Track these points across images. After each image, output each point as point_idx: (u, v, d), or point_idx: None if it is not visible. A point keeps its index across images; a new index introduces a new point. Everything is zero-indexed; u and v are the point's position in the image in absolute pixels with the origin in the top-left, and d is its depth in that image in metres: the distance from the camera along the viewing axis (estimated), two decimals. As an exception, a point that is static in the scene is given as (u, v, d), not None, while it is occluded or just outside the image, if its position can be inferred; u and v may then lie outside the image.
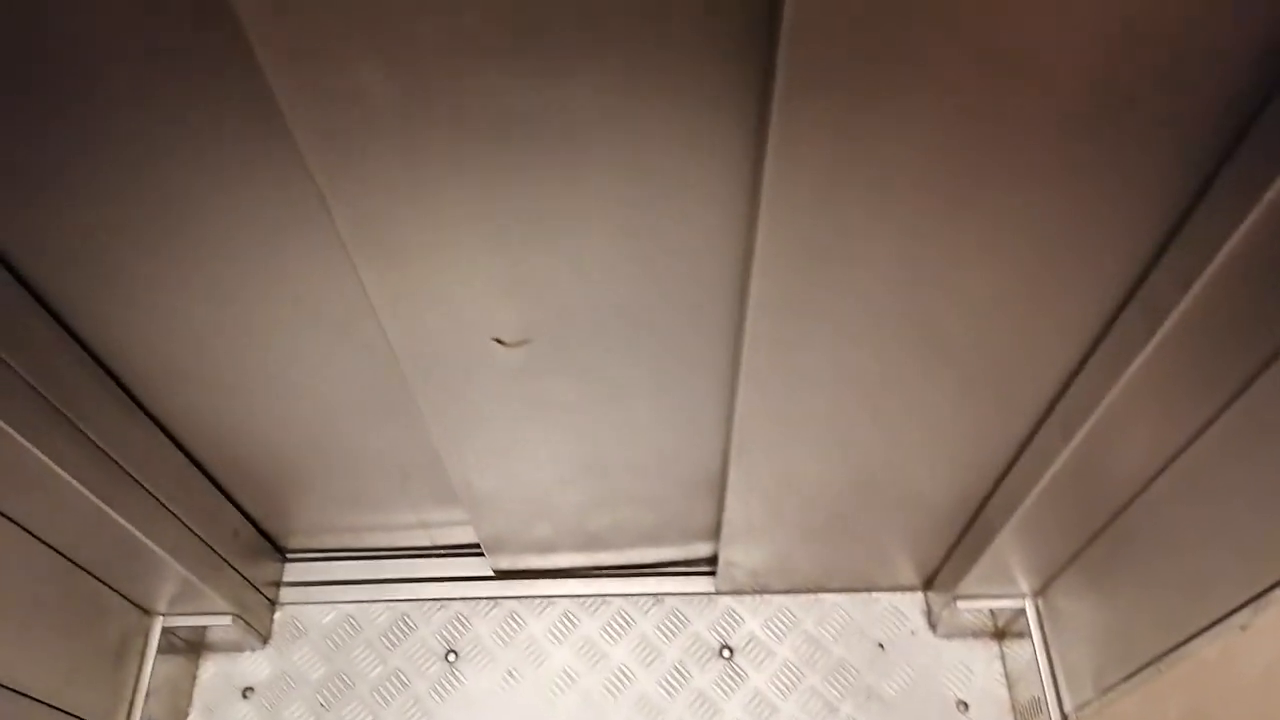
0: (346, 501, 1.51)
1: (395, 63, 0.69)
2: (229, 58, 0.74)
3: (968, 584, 1.39)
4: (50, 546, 1.19)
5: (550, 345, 1.02)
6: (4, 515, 1.10)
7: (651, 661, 1.55)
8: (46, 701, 1.21)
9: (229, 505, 1.46)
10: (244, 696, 1.53)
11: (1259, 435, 0.86)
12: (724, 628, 1.58)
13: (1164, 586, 1.08)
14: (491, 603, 1.61)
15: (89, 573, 1.28)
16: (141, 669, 1.42)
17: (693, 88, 0.73)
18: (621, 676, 1.54)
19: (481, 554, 1.58)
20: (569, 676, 1.54)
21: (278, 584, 1.63)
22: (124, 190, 0.88)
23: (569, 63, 0.70)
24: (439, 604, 1.61)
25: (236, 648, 1.55)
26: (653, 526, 1.49)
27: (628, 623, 1.59)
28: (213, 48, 0.74)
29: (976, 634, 1.54)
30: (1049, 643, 1.40)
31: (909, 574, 1.55)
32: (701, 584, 1.61)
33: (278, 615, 1.60)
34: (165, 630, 1.45)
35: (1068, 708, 1.34)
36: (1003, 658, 1.53)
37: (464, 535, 1.62)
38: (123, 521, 1.15)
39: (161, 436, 1.26)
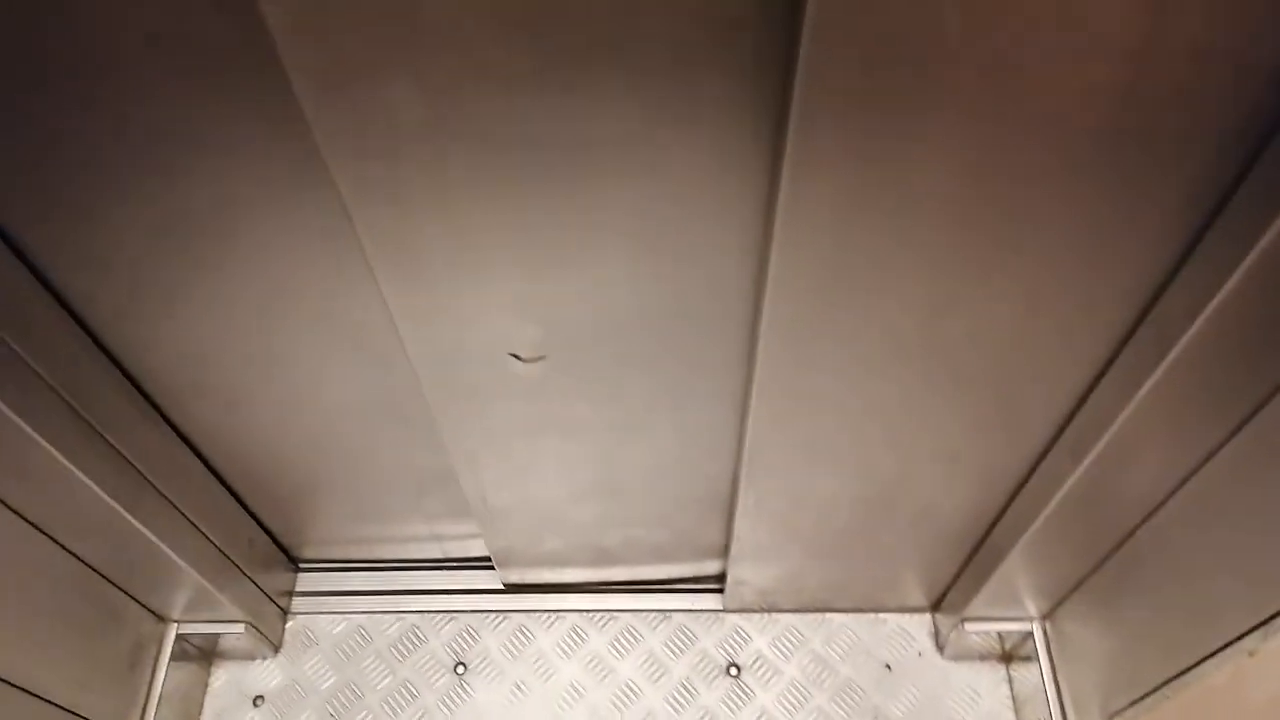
0: (360, 513, 1.52)
1: (422, 84, 0.71)
2: (261, 78, 0.77)
3: (975, 606, 1.40)
4: (71, 552, 1.21)
5: (566, 362, 1.03)
6: (29, 521, 1.11)
7: (659, 678, 1.56)
8: (61, 705, 1.22)
9: (245, 515, 1.47)
10: (254, 705, 1.54)
11: (1269, 460, 0.87)
12: (731, 646, 1.58)
13: (1172, 611, 1.09)
14: (501, 616, 1.62)
15: (107, 579, 1.30)
16: (155, 675, 1.43)
17: (711, 112, 0.75)
18: (628, 692, 1.54)
19: (492, 567, 1.60)
20: (576, 691, 1.55)
21: (290, 594, 1.64)
22: (155, 207, 0.90)
23: (591, 87, 0.72)
24: (449, 616, 1.62)
25: (248, 656, 1.57)
26: (663, 543, 1.50)
27: (635, 638, 1.59)
28: (245, 68, 0.76)
29: (984, 657, 1.54)
30: (1056, 667, 1.41)
31: (917, 595, 1.55)
32: (710, 601, 1.62)
33: (289, 625, 1.61)
34: (179, 637, 1.47)
35: (1075, 732, 1.34)
36: (1010, 681, 1.53)
37: (475, 548, 1.63)
38: (142, 529, 1.17)
39: (183, 446, 1.28)
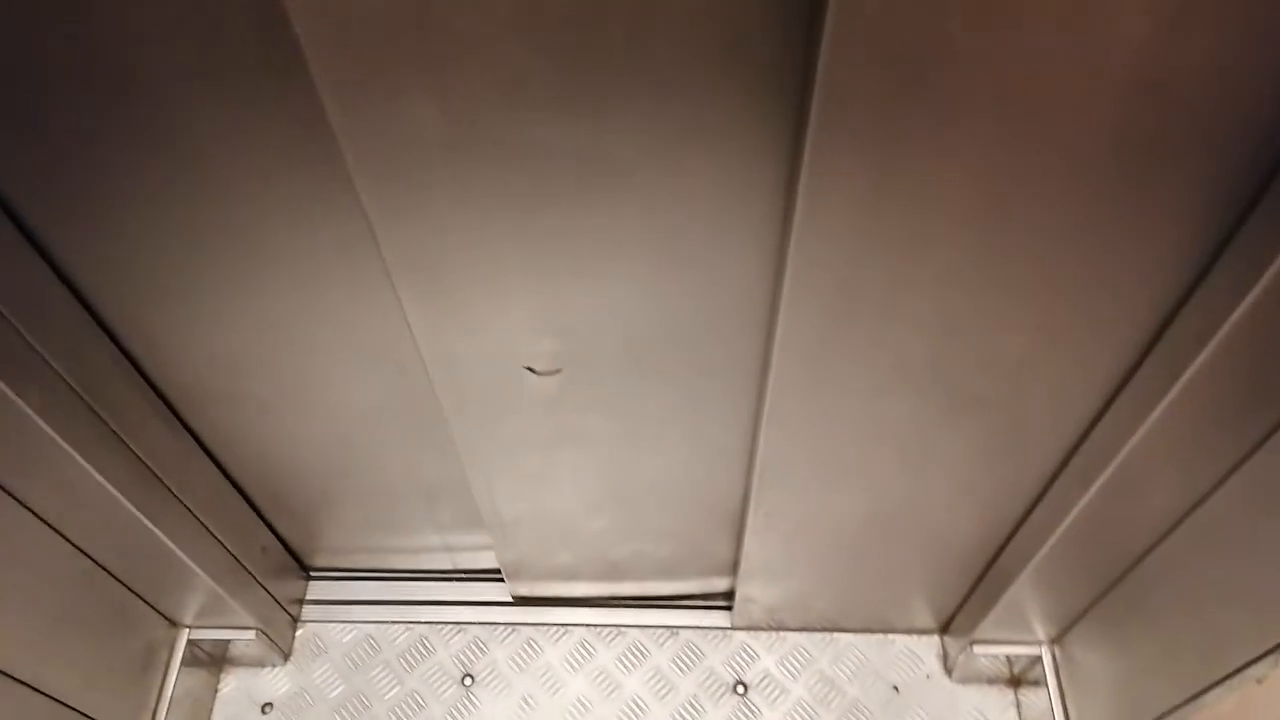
0: (372, 522, 1.54)
1: (446, 99, 0.73)
2: (290, 91, 0.79)
3: (984, 629, 1.39)
4: (86, 554, 1.22)
5: (581, 376, 1.05)
6: (46, 522, 1.13)
7: (665, 694, 1.56)
8: (72, 706, 1.23)
9: (259, 522, 1.49)
10: (263, 712, 1.55)
11: (1278, 488, 0.87)
12: (739, 663, 1.58)
13: (1181, 638, 1.08)
14: (509, 629, 1.63)
15: (121, 582, 1.31)
16: (165, 679, 1.44)
17: (728, 128, 0.77)
18: (635, 708, 1.55)
19: (501, 579, 1.60)
20: (583, 706, 1.55)
21: (301, 601, 1.65)
22: (181, 214, 0.92)
23: (610, 103, 0.74)
24: (457, 628, 1.63)
25: (258, 663, 1.57)
26: (672, 559, 1.51)
27: (643, 654, 1.60)
28: (276, 81, 0.78)
29: (992, 680, 1.54)
30: (1065, 691, 1.40)
31: (926, 617, 1.55)
32: (718, 619, 1.62)
33: (299, 632, 1.62)
34: (190, 642, 1.48)
35: (1082, 758, 1.34)
36: (1018, 705, 1.52)
37: (485, 560, 1.64)
38: (158, 532, 1.18)
39: (199, 452, 1.29)
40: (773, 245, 0.87)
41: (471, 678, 1.58)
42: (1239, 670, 0.95)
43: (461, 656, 1.60)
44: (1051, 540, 1.11)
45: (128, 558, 1.27)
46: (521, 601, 1.65)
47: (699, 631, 1.61)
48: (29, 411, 0.94)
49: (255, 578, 1.46)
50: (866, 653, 1.59)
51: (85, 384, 1.03)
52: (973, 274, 0.82)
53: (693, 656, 1.59)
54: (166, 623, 1.45)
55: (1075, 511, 1.04)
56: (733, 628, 1.61)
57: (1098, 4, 0.61)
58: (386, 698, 1.56)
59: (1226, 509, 0.96)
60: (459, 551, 1.62)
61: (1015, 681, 1.54)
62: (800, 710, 1.53)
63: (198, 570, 1.28)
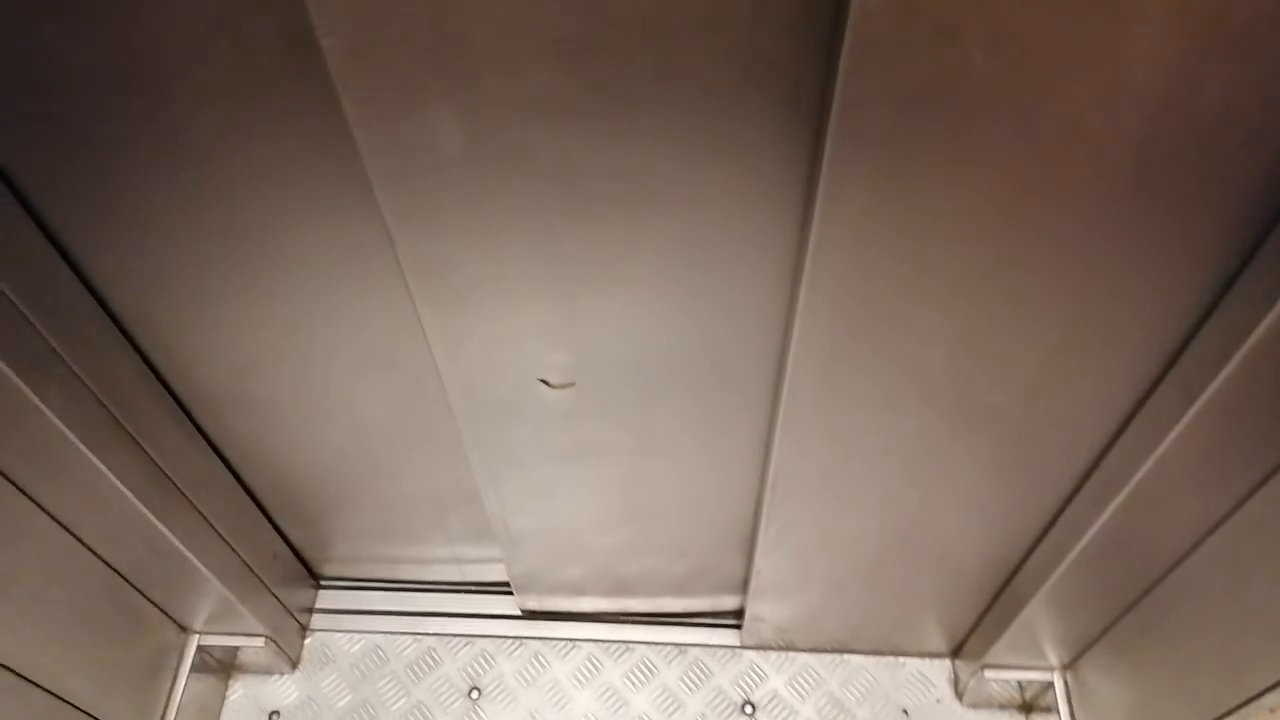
0: (384, 532, 1.54)
1: (467, 114, 0.74)
2: (313, 102, 0.80)
3: (996, 653, 1.38)
4: (100, 557, 1.23)
5: (595, 390, 1.05)
6: (61, 524, 1.14)
7: (672, 712, 1.55)
8: (82, 708, 1.24)
9: (271, 529, 1.50)
10: (270, 720, 1.55)
11: (1294, 516, 0.87)
12: (747, 683, 1.57)
13: (1194, 665, 1.07)
14: (517, 642, 1.62)
15: (133, 585, 1.32)
16: (174, 685, 1.45)
17: (745, 148, 0.77)
18: (642, 725, 1.54)
19: (510, 592, 1.60)
20: (590, 722, 1.55)
21: (310, 610, 1.66)
22: (203, 222, 0.94)
23: (628, 125, 0.75)
24: (465, 640, 1.63)
25: (266, 671, 1.58)
26: (682, 576, 1.51)
27: (650, 671, 1.59)
28: (299, 92, 0.79)
29: (1003, 706, 1.52)
30: (1076, 718, 1.39)
31: (937, 640, 1.54)
32: (727, 637, 1.61)
33: (308, 641, 1.63)
34: (200, 648, 1.48)
35: (1094, 787, 1.32)
36: (1029, 732, 1.51)
37: (494, 573, 1.64)
38: (171, 537, 1.19)
39: (214, 458, 1.30)
40: (787, 259, 0.87)
41: (478, 691, 1.58)
42: (1252, 699, 0.94)
43: (469, 669, 1.60)
44: (1065, 563, 1.10)
45: (140, 561, 1.28)
46: (530, 615, 1.64)
47: (708, 650, 1.61)
48: (48, 412, 0.95)
49: (266, 585, 1.46)
50: (877, 675, 1.57)
51: (103, 386, 1.04)
52: (988, 288, 0.82)
53: (701, 675, 1.59)
54: (177, 628, 1.46)
55: (1090, 534, 1.03)
56: (742, 647, 1.60)
57: (1114, 32, 0.61)
58: (393, 709, 1.56)
59: (1244, 533, 0.95)
60: (468, 563, 1.62)
61: (1027, 708, 1.52)
62: (808, 731, 1.52)
63: (209, 576, 1.29)
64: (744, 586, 1.49)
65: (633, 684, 1.58)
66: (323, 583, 1.70)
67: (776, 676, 1.58)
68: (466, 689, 1.58)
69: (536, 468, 1.20)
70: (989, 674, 1.44)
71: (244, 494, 1.40)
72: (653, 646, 1.61)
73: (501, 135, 0.75)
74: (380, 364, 1.14)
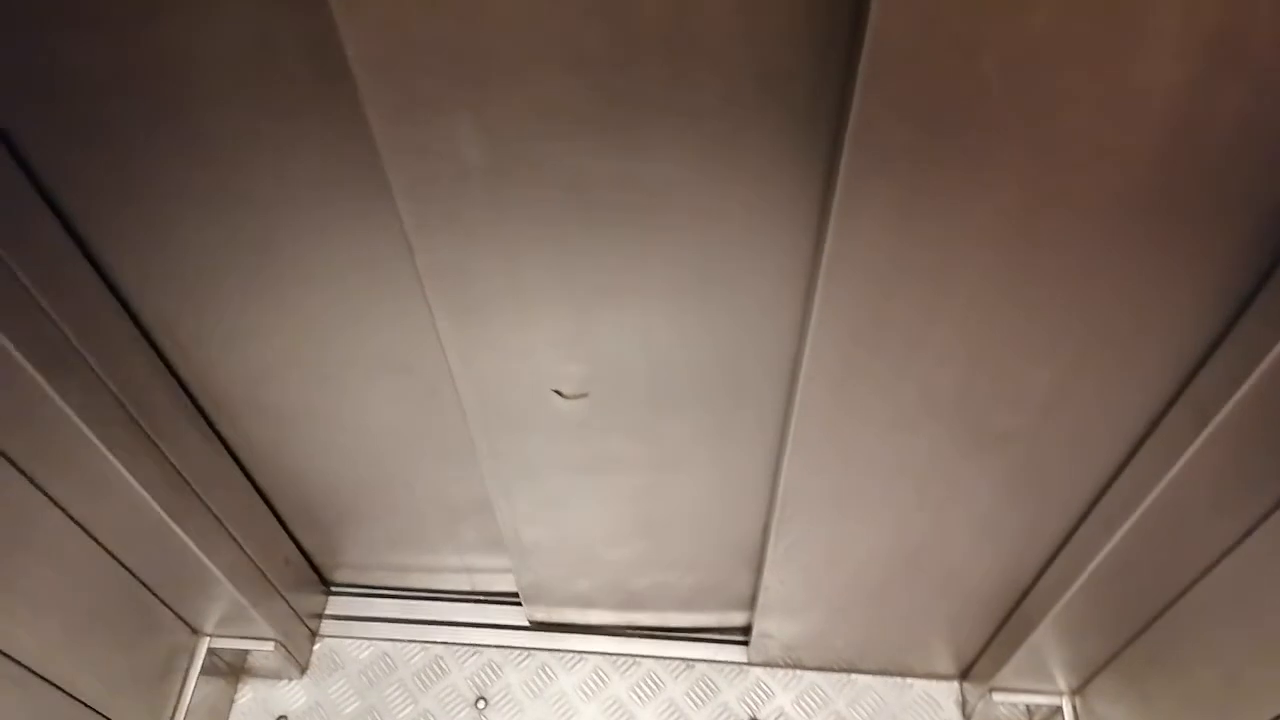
0: (394, 540, 1.55)
1: (487, 126, 0.75)
2: (336, 111, 0.81)
3: (1004, 676, 1.37)
4: (114, 557, 1.24)
5: (608, 402, 1.06)
6: (77, 522, 1.15)
7: (679, 727, 1.55)
8: (93, 707, 1.25)
9: (284, 534, 1.51)
10: (277, 724, 1.56)
11: (1306, 543, 0.86)
12: (754, 699, 1.57)
13: (1203, 694, 1.06)
14: (525, 653, 1.63)
15: (146, 586, 1.33)
16: (184, 687, 1.46)
17: (761, 163, 0.78)
18: (648, 740, 1.54)
19: (519, 603, 1.61)
20: (595, 735, 1.54)
21: (320, 616, 1.67)
22: (225, 227, 0.95)
23: (646, 137, 0.76)
24: (473, 649, 1.63)
25: (275, 675, 1.59)
26: (691, 590, 1.51)
27: (657, 685, 1.59)
28: (323, 100, 0.81)
29: (1011, 730, 1.51)
30: (1085, 744, 1.38)
31: (945, 662, 1.53)
32: (734, 653, 1.61)
33: (317, 647, 1.63)
34: (210, 651, 1.49)
35: (1102, 814, 1.31)
36: (1037, 757, 1.50)
37: (503, 583, 1.64)
38: (185, 538, 1.20)
39: (230, 461, 1.32)
40: (801, 274, 0.88)
41: (485, 701, 1.58)
42: (1264, 727, 0.94)
43: (476, 679, 1.60)
44: (1075, 587, 1.10)
45: (154, 562, 1.29)
46: (538, 626, 1.65)
47: (715, 665, 1.60)
48: (68, 410, 0.97)
49: (277, 589, 1.47)
50: (884, 695, 1.57)
51: (123, 387, 1.05)
52: (1002, 305, 0.82)
53: (707, 690, 1.58)
54: (188, 630, 1.47)
55: (1100, 558, 1.03)
56: (749, 663, 1.60)
57: (1132, 49, 0.61)
58: (400, 716, 1.56)
59: (1256, 559, 0.94)
60: (478, 573, 1.63)
61: (1035, 732, 1.51)
62: (814, 751, 1.52)
63: (222, 578, 1.30)
64: (752, 603, 1.48)
65: (639, 698, 1.58)
66: (333, 589, 1.71)
67: (783, 694, 1.57)
68: (473, 698, 1.58)
69: (549, 478, 1.21)
70: (997, 697, 1.43)
71: (258, 498, 1.41)
72: (660, 661, 1.61)
73: (521, 146, 0.77)
74: (396, 372, 1.15)
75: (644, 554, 1.40)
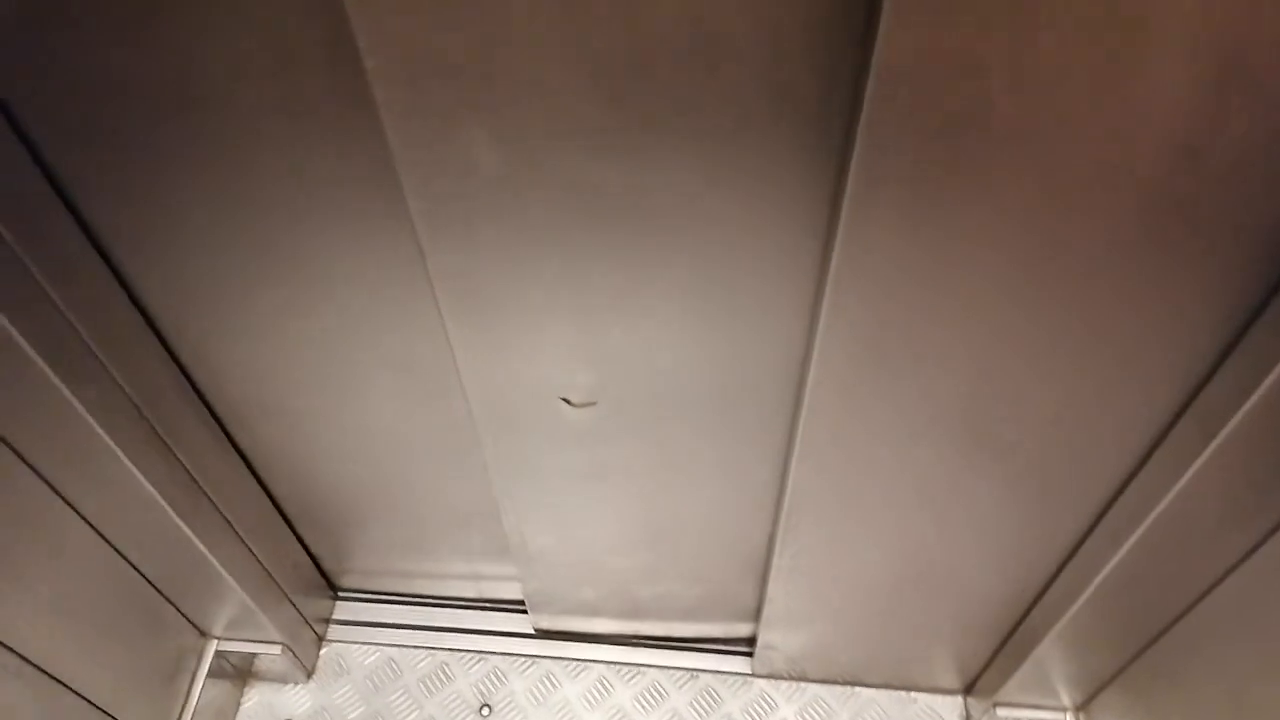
0: (403, 546, 1.56)
1: (503, 138, 0.76)
2: (353, 119, 0.83)
3: (1009, 691, 1.37)
4: (124, 558, 1.25)
5: (616, 411, 1.06)
6: (89, 523, 1.16)
7: (682, 738, 1.55)
8: (100, 706, 1.26)
9: (293, 538, 1.52)
10: (282, 728, 1.56)
11: (1313, 559, 0.86)
12: (757, 711, 1.57)
13: (1210, 710, 1.06)
14: (529, 661, 1.63)
15: (156, 588, 1.34)
16: (191, 688, 1.46)
17: (771, 175, 0.79)
18: (651, 749, 1.54)
19: (524, 611, 1.61)
20: (599, 744, 1.55)
21: (327, 620, 1.67)
22: (240, 230, 0.96)
23: (658, 147, 0.77)
24: (478, 656, 1.63)
25: (281, 679, 1.59)
26: (697, 601, 1.51)
27: (661, 695, 1.59)
28: (340, 108, 0.82)
29: (1016, 745, 1.51)
30: (1090, 760, 1.37)
31: (950, 676, 1.53)
32: (738, 664, 1.61)
33: (324, 651, 1.64)
34: (218, 654, 1.50)
35: (1106, 831, 1.30)
36: (1041, 773, 1.49)
37: (509, 590, 1.65)
38: (195, 539, 1.21)
39: (241, 465, 1.33)
40: (809, 284, 0.89)
41: (489, 708, 1.58)
42: (1269, 744, 0.93)
43: (481, 686, 1.60)
44: (1080, 600, 1.10)
45: (163, 562, 1.30)
46: (543, 634, 1.65)
47: (719, 676, 1.60)
48: (83, 411, 0.98)
49: (285, 593, 1.48)
50: (888, 709, 1.56)
51: (135, 385, 1.06)
52: (1010, 317, 0.83)
53: (711, 701, 1.58)
54: (196, 632, 1.48)
55: (1105, 571, 1.03)
56: (753, 675, 1.60)
57: (1137, 70, 0.62)
58: (404, 722, 1.57)
59: (1262, 575, 0.94)
60: (484, 580, 1.63)
61: (1040, 748, 1.50)
62: (818, 763, 1.51)
63: (231, 581, 1.31)
64: (757, 614, 1.49)
65: (643, 707, 1.58)
66: (340, 594, 1.71)
67: (786, 706, 1.57)
68: (477, 705, 1.58)
69: (556, 486, 1.22)
70: (1001, 712, 1.42)
71: (268, 502, 1.42)
72: (664, 671, 1.61)
73: (535, 157, 0.78)
74: (408, 380, 1.16)
75: (650, 563, 1.40)
